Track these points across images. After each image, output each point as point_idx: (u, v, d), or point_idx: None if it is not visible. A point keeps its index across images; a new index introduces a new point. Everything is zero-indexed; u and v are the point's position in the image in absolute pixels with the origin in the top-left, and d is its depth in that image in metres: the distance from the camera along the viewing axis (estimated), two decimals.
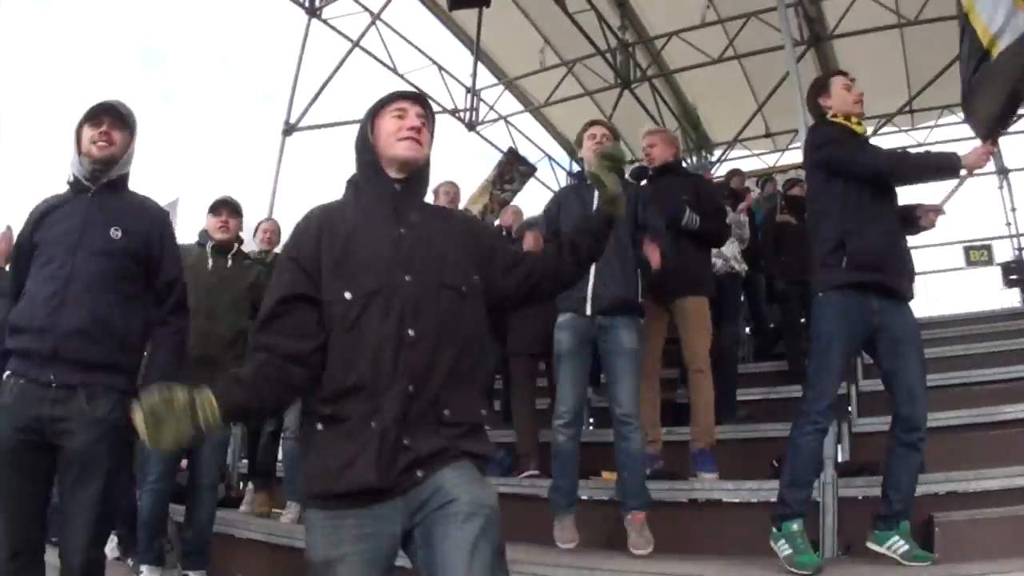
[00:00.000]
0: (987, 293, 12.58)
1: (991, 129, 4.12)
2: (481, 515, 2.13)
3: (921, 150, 4.18)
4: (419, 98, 2.58)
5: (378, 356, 2.22)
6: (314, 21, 10.96)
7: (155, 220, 3.48)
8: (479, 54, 12.87)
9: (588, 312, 4.56)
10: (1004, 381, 6.21)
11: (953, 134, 13.65)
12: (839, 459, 5.40)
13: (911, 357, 3.84)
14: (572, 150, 14.92)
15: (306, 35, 10.76)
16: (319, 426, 2.27)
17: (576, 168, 15.30)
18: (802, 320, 7.75)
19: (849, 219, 3.88)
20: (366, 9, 11.21)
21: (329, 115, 11.39)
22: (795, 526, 3.73)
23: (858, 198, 3.90)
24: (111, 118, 3.34)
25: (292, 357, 2.23)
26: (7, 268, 3.66)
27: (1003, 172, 13.44)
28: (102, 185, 3.35)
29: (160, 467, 4.65)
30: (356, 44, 10.95)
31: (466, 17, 11.55)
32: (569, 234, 2.73)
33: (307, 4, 10.72)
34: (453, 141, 14.66)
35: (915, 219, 4.05)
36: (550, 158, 15.27)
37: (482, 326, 2.46)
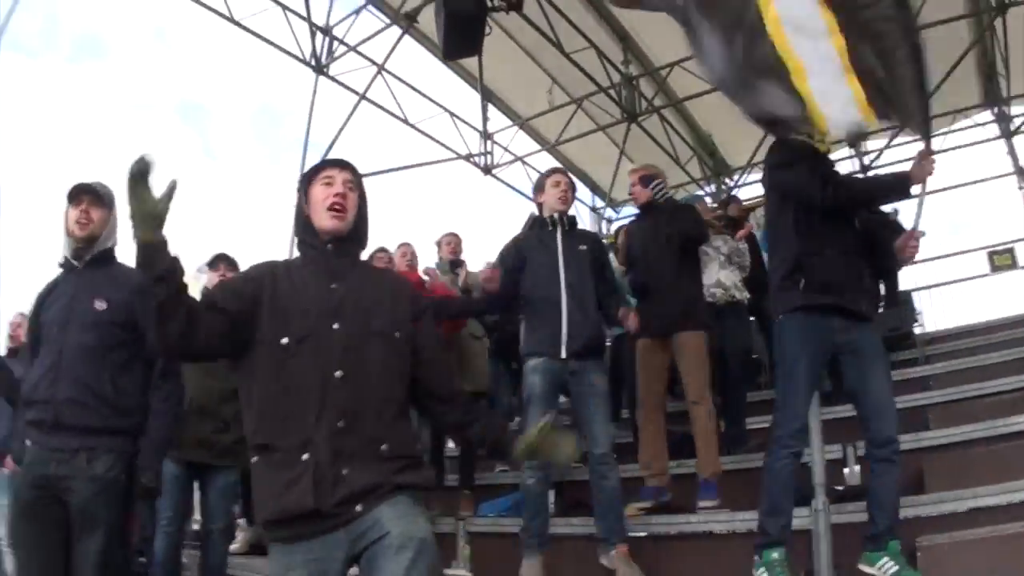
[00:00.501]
0: (1015, 298, 12.27)
1: (921, 123, 3.82)
2: (411, 547, 2.34)
3: (870, 175, 4.11)
4: (346, 165, 2.82)
5: (307, 394, 2.46)
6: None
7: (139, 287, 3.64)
8: (491, 97, 13.07)
9: (563, 355, 4.61)
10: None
11: (968, 139, 13.62)
12: (848, 483, 5.38)
13: (877, 373, 3.89)
14: (593, 185, 15.02)
15: (315, 93, 10.90)
16: (255, 458, 2.52)
17: (599, 203, 15.40)
18: None
19: (805, 241, 3.92)
20: (372, 62, 11.35)
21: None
22: (775, 554, 3.76)
23: (814, 220, 3.91)
24: (90, 197, 3.69)
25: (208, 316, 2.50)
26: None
27: (1022, 172, 13.11)
28: (87, 262, 3.69)
29: (171, 512, 5.00)
30: (363, 96, 11.05)
31: (476, 63, 11.63)
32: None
33: (313, 63, 10.89)
34: (469, 186, 14.85)
35: (898, 253, 4.04)
36: None
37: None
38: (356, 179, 2.81)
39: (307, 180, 2.80)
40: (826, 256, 3.86)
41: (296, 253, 2.91)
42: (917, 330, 10.59)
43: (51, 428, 3.42)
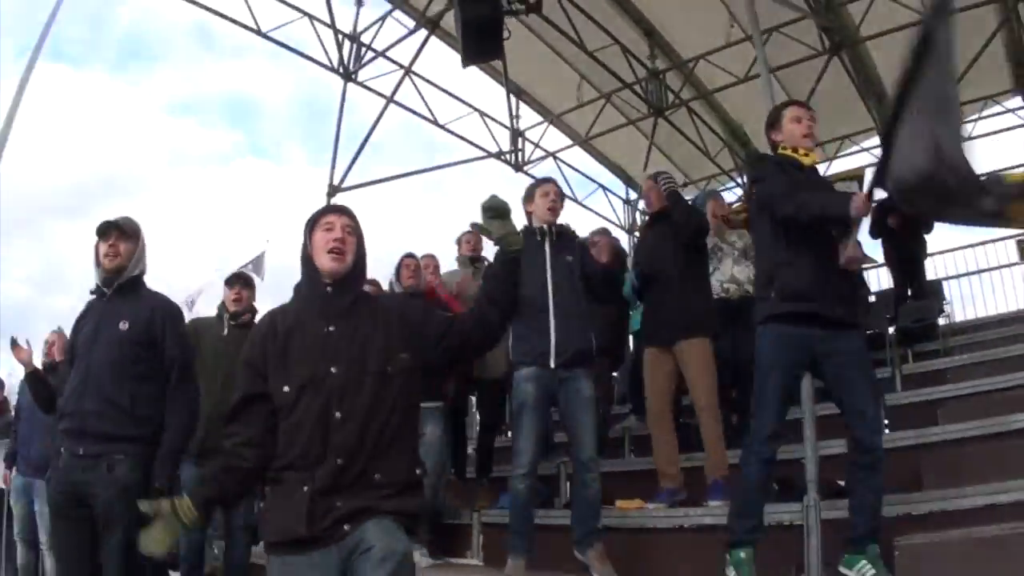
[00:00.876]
0: None
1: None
2: (392, 560, 2.58)
3: (823, 195, 4.11)
4: (345, 211, 3.10)
5: (311, 436, 2.73)
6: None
7: (158, 309, 4.23)
8: (521, 94, 13.22)
9: (552, 365, 4.80)
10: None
11: (996, 125, 13.47)
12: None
13: (859, 381, 3.96)
14: (627, 178, 15.05)
15: (343, 99, 11.21)
16: (268, 488, 2.85)
17: (634, 195, 15.42)
18: None
19: (780, 251, 4.05)
20: (400, 65, 11.62)
21: (379, 171, 11.77)
22: (743, 554, 3.92)
23: (789, 230, 4.02)
24: (117, 232, 4.19)
25: (247, 443, 2.83)
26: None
27: None
28: (115, 290, 4.18)
29: None
30: (390, 100, 11.33)
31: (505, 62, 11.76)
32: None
33: (341, 70, 11.15)
34: (500, 184, 15.07)
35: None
36: (604, 188, 15.37)
37: (413, 396, 2.98)
38: (355, 224, 3.05)
39: (310, 226, 3.04)
40: (798, 265, 3.96)
41: None
42: (944, 320, 10.57)
43: (78, 435, 3.89)
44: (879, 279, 12.28)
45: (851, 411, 3.97)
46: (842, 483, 5.21)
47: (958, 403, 6.27)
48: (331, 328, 2.87)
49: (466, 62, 8.95)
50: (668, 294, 5.70)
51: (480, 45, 8.55)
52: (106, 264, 4.15)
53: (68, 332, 4.45)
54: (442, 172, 12.52)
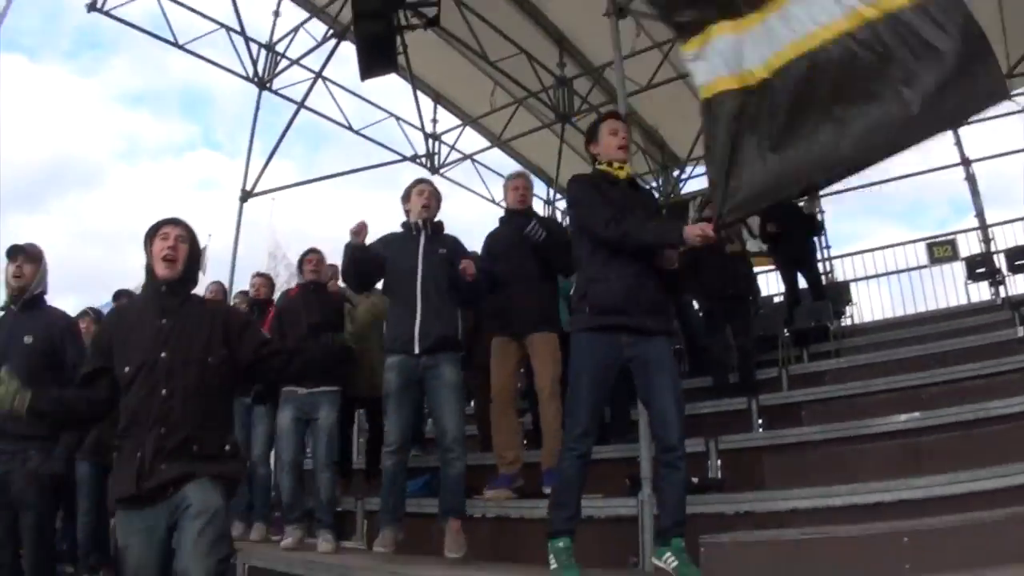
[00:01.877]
0: (953, 289, 12.58)
1: (730, 221, 4.08)
2: (207, 512, 3.25)
3: (652, 223, 4.27)
4: (179, 222, 3.70)
5: (142, 408, 3.35)
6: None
7: (58, 324, 5.01)
8: (439, 99, 13.57)
9: (416, 351, 5.12)
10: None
11: None
12: (710, 475, 5.68)
13: (662, 382, 4.17)
14: (548, 179, 15.17)
15: (257, 106, 11.39)
16: (115, 454, 3.43)
17: (555, 195, 15.57)
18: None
19: (594, 267, 4.26)
20: (313, 72, 11.77)
21: (327, 168, 11.84)
22: (560, 543, 4.13)
23: (603, 247, 4.23)
24: (23, 255, 4.94)
25: (91, 400, 3.53)
26: None
27: (967, 163, 13.16)
28: (20, 305, 4.93)
29: (88, 504, 6.32)
30: (301, 105, 11.50)
31: (423, 65, 11.98)
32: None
33: (256, 79, 11.31)
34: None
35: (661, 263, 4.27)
36: None
37: (229, 383, 3.63)
38: (188, 233, 3.67)
39: (150, 235, 3.63)
40: (610, 282, 4.16)
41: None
42: (847, 322, 10.85)
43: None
44: (768, 282, 12.68)
45: (655, 413, 4.19)
46: (695, 479, 5.42)
47: (822, 406, 6.49)
48: (164, 321, 3.48)
49: (364, 75, 9.19)
50: (524, 289, 5.93)
51: (375, 60, 8.88)
52: (12, 283, 4.87)
53: None
54: (393, 168, 12.84)
